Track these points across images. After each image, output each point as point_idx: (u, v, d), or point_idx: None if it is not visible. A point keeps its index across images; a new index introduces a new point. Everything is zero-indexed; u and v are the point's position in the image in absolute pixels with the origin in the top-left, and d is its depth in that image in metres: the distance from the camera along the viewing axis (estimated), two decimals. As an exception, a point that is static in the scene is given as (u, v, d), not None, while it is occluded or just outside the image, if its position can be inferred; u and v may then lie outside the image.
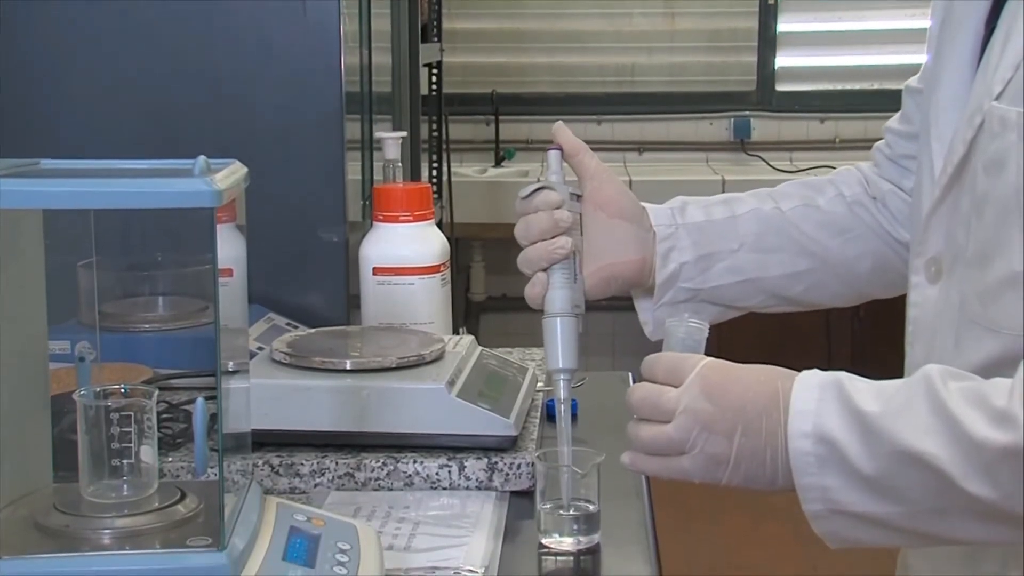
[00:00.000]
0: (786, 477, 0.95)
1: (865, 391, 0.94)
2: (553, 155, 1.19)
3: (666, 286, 1.23)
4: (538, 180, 1.19)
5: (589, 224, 1.19)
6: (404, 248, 1.50)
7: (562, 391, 1.13)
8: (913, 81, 1.24)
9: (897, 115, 1.28)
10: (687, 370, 0.99)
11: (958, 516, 0.91)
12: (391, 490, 1.22)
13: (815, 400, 0.94)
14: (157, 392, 0.96)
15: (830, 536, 0.97)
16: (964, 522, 0.92)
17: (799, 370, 0.98)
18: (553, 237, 1.15)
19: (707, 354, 1.03)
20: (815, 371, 0.97)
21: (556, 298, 1.15)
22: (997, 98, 0.99)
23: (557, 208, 1.15)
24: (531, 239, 1.16)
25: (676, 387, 0.99)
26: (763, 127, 4.62)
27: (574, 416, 1.42)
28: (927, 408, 0.90)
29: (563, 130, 1.20)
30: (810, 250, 1.26)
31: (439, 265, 1.51)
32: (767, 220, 1.26)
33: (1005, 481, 0.88)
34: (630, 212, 1.21)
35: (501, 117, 4.56)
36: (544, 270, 1.15)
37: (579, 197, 1.20)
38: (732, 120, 4.61)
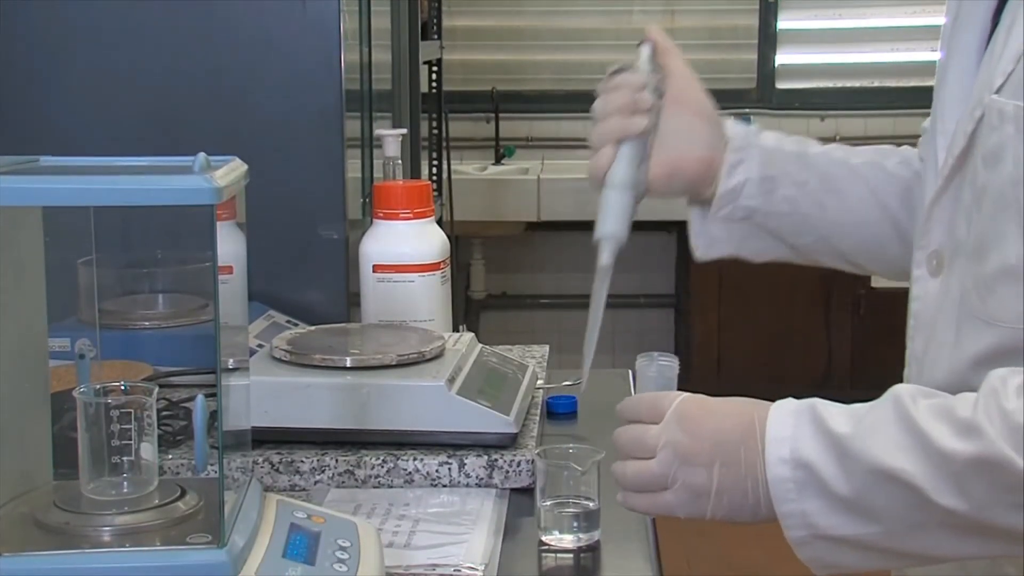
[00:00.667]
0: (768, 506, 0.95)
1: (838, 414, 0.94)
2: (644, 48, 1.19)
3: (726, 198, 1.22)
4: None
5: (666, 119, 1.18)
6: (404, 245, 1.50)
7: (606, 257, 1.12)
8: None
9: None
10: (666, 406, 1.00)
11: (935, 531, 0.92)
12: (391, 487, 1.22)
13: (791, 426, 0.95)
14: (157, 389, 0.96)
15: (814, 562, 0.97)
16: (941, 538, 0.92)
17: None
18: (631, 115, 1.15)
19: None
20: (790, 399, 0.98)
21: (619, 171, 1.14)
22: (997, 91, 0.99)
23: (640, 91, 1.15)
24: (608, 113, 1.16)
25: (658, 424, 0.99)
26: (763, 124, 4.55)
27: (574, 413, 1.43)
28: (897, 426, 0.91)
29: (657, 29, 1.20)
30: (871, 202, 1.25)
31: (439, 262, 1.51)
32: (836, 165, 1.26)
33: (975, 492, 0.88)
34: (710, 116, 1.22)
35: (501, 115, 4.56)
36: (614, 145, 1.15)
37: (662, 95, 1.19)
38: (732, 117, 4.59)
